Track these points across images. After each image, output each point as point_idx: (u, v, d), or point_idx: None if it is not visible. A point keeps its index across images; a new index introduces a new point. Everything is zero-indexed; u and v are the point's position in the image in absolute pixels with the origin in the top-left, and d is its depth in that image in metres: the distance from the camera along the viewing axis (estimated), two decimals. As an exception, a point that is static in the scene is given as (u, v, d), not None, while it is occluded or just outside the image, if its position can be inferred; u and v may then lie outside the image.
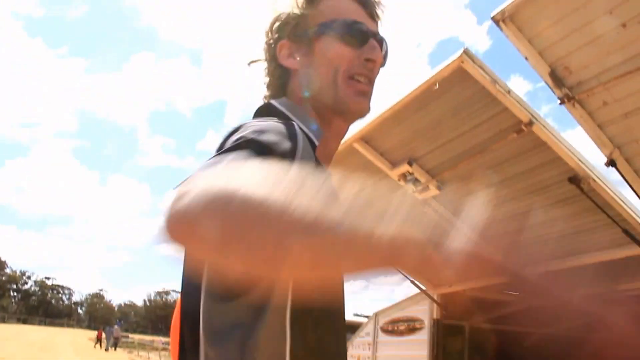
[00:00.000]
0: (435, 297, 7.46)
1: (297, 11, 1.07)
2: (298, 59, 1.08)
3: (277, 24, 1.10)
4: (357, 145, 5.30)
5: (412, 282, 7.36)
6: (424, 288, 7.40)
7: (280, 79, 1.12)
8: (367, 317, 10.59)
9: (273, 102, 1.07)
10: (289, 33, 1.09)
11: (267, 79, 1.14)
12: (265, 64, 1.14)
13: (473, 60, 3.99)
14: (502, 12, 3.71)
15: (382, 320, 9.00)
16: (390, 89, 4.41)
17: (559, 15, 3.63)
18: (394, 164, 5.37)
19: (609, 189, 4.50)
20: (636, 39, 3.50)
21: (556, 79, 3.94)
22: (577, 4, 3.52)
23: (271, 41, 1.11)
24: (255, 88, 1.17)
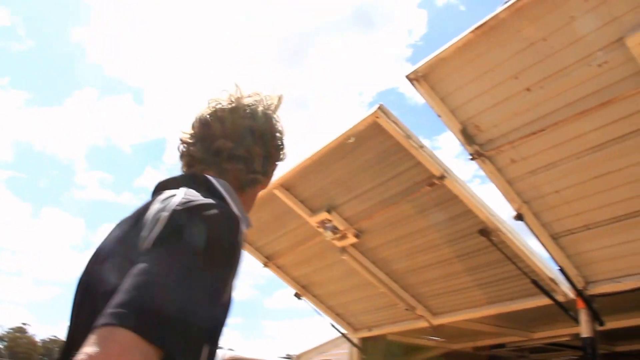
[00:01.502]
0: (355, 341, 7.42)
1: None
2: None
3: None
4: (277, 192, 5.27)
5: (332, 325, 7.32)
6: (344, 332, 7.35)
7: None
8: (288, 358, 10.42)
9: (216, 183, 1.14)
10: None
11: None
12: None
13: (387, 116, 4.06)
14: (416, 71, 3.81)
15: (303, 363, 8.88)
16: (332, 132, 4.47)
17: (469, 77, 3.77)
18: (313, 211, 5.35)
19: (518, 241, 4.64)
20: (540, 102, 3.67)
21: (467, 136, 4.06)
22: (486, 68, 3.66)
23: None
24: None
